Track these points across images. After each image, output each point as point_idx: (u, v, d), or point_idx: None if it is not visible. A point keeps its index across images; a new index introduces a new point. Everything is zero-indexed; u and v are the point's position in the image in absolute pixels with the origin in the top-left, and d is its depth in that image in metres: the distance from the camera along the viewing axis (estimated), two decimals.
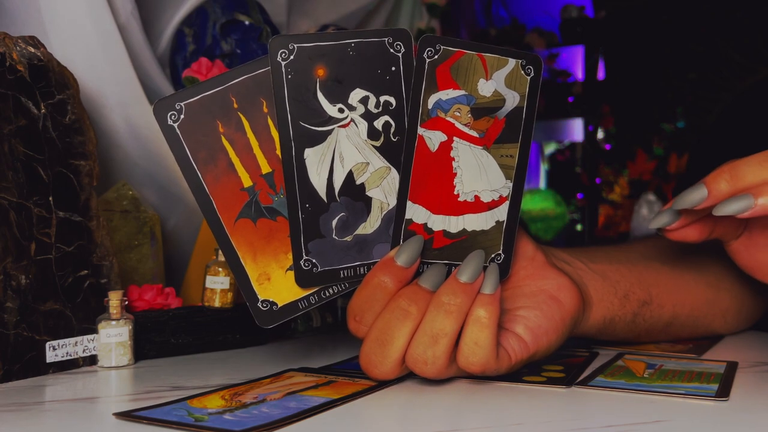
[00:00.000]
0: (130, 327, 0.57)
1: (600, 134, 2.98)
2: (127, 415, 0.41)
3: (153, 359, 0.60)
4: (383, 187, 0.48)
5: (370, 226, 0.48)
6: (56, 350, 0.55)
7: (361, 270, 0.48)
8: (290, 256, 0.47)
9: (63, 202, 0.57)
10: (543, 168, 3.38)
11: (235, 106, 0.46)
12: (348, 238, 0.47)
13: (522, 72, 0.48)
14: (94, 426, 0.41)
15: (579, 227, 3.11)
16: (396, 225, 0.48)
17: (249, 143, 0.47)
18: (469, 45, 0.47)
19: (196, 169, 0.46)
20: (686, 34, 2.60)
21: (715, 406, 0.44)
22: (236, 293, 0.66)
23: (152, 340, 0.60)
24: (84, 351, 0.57)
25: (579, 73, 3.04)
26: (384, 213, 0.48)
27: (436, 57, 0.47)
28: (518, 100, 0.48)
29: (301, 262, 0.47)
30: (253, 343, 0.67)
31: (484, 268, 0.46)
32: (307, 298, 0.48)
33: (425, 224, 0.48)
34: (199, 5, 0.90)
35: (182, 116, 0.46)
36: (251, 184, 0.47)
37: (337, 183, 0.47)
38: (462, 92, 0.47)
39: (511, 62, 0.48)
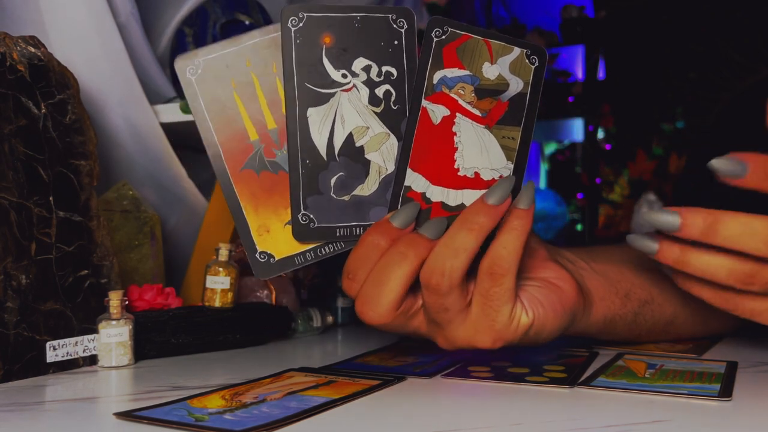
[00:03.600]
0: (131, 327, 0.57)
1: (600, 134, 2.98)
2: (127, 415, 0.41)
3: (153, 359, 0.60)
4: (382, 152, 0.49)
5: (367, 188, 0.49)
6: (56, 350, 0.55)
7: (357, 230, 0.49)
8: (289, 211, 0.49)
9: (63, 202, 0.56)
10: (543, 168, 3.38)
11: (248, 65, 0.49)
12: (346, 197, 0.49)
13: (527, 61, 0.49)
14: (94, 426, 0.41)
15: (579, 227, 3.10)
16: (395, 190, 0.49)
17: (258, 100, 0.50)
18: (476, 30, 0.49)
19: (209, 119, 0.49)
20: (686, 34, 2.60)
21: (717, 406, 0.44)
22: (236, 293, 0.66)
23: (152, 340, 0.60)
24: (84, 351, 0.56)
25: (579, 73, 3.04)
26: (382, 177, 0.49)
27: (443, 37, 0.48)
28: (522, 86, 0.49)
29: (299, 216, 0.49)
30: (253, 343, 0.67)
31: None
32: (303, 253, 0.50)
33: (424, 194, 0.49)
34: (200, 5, 0.90)
35: (200, 71, 0.49)
36: (257, 137, 0.50)
37: (337, 143, 0.49)
38: (467, 72, 0.49)
39: (516, 50, 0.49)
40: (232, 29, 0.89)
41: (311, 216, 0.49)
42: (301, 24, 0.48)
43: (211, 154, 0.49)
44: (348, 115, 0.49)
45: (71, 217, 0.57)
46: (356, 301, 0.48)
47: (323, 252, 0.50)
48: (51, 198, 0.56)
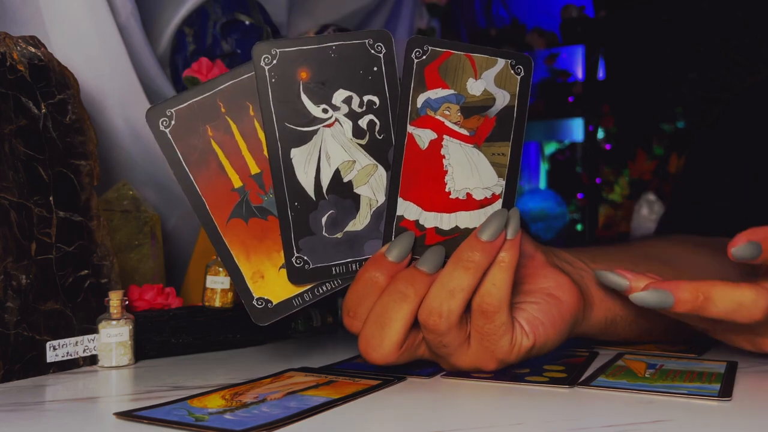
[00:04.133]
0: (131, 327, 0.57)
1: (600, 134, 2.97)
2: (127, 415, 0.41)
3: (153, 359, 0.60)
4: (371, 184, 0.48)
5: (359, 222, 0.48)
6: (57, 350, 0.55)
7: (353, 266, 0.49)
8: (282, 254, 0.48)
9: (63, 201, 0.56)
10: (543, 168, 3.38)
11: (223, 110, 0.48)
12: (338, 235, 0.48)
13: (512, 71, 0.48)
14: (94, 426, 0.41)
15: (579, 227, 3.10)
16: (387, 221, 0.48)
17: (237, 145, 0.48)
18: (457, 46, 0.47)
19: (188, 171, 0.48)
20: (686, 34, 2.59)
21: (717, 406, 0.44)
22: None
23: (153, 340, 0.60)
24: (84, 351, 0.56)
25: (579, 73, 3.04)
26: (373, 210, 0.48)
27: (424, 57, 0.47)
28: (509, 99, 0.48)
29: (293, 260, 0.48)
30: (253, 343, 0.67)
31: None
32: (301, 295, 0.49)
33: (417, 221, 0.48)
34: (200, 5, 0.90)
35: (173, 122, 0.47)
36: (241, 184, 0.48)
37: (325, 181, 0.48)
38: (451, 91, 0.48)
39: (501, 62, 0.48)
40: (232, 29, 0.89)
41: (305, 258, 0.48)
42: (274, 61, 0.46)
43: (195, 207, 0.48)
44: (333, 151, 0.47)
45: (71, 217, 0.57)
46: (359, 342, 0.48)
47: (321, 291, 0.49)
48: (51, 198, 0.56)
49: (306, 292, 0.49)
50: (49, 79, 0.57)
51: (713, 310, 0.47)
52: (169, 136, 0.47)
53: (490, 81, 0.48)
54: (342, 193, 0.48)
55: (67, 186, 0.57)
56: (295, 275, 0.48)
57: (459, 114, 0.48)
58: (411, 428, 0.40)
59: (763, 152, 0.77)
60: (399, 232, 0.48)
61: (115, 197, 0.73)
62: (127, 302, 0.58)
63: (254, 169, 0.48)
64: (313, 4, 1.14)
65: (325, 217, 0.48)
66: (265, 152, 0.48)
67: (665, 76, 2.69)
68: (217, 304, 0.65)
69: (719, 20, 2.49)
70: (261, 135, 0.48)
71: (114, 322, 0.56)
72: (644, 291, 0.48)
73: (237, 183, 0.48)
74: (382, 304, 0.46)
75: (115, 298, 0.56)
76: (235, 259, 0.48)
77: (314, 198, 0.48)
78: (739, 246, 0.47)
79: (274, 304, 0.49)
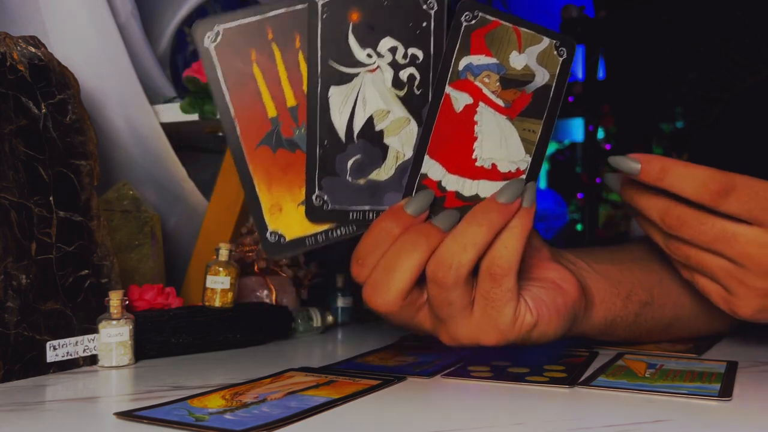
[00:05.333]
0: (131, 327, 0.57)
1: (600, 134, 2.97)
2: (127, 415, 0.41)
3: (153, 359, 0.60)
4: (401, 137, 0.48)
5: (384, 173, 0.49)
6: (57, 350, 0.55)
7: (370, 215, 0.49)
8: (304, 190, 0.48)
9: (63, 201, 0.56)
10: (543, 168, 3.38)
11: (270, 36, 0.48)
12: (361, 181, 0.48)
13: (555, 52, 0.48)
14: (94, 426, 0.41)
15: (579, 227, 3.10)
16: (411, 176, 0.48)
17: (278, 75, 0.48)
18: (507, 17, 0.48)
19: (225, 91, 0.48)
20: (686, 34, 2.59)
21: (718, 406, 0.44)
22: (236, 293, 0.66)
23: (153, 340, 0.60)
24: (84, 351, 0.56)
25: (579, 73, 3.04)
26: (399, 163, 0.49)
27: (473, 22, 0.47)
28: (548, 78, 0.49)
29: (313, 197, 0.48)
30: (253, 343, 0.67)
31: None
32: (315, 235, 0.49)
33: (439, 182, 0.48)
34: (200, 5, 0.90)
35: (219, 38, 0.47)
36: (275, 114, 0.48)
37: (357, 125, 0.48)
38: (494, 60, 0.48)
39: (546, 41, 0.48)
40: None
41: (325, 197, 0.48)
42: None
43: (226, 129, 0.48)
44: (370, 97, 0.48)
45: (72, 217, 0.57)
46: (364, 287, 0.47)
47: (335, 235, 0.49)
48: (51, 198, 0.56)
49: (320, 233, 0.49)
50: (49, 79, 0.57)
51: (671, 178, 0.48)
52: (213, 52, 0.47)
53: (532, 57, 0.48)
54: (372, 140, 0.48)
55: (67, 186, 0.57)
56: (313, 213, 0.48)
57: (498, 84, 0.48)
58: (411, 428, 0.40)
59: (763, 152, 0.77)
60: (421, 189, 0.48)
61: (115, 197, 0.73)
62: (127, 302, 0.58)
63: (291, 101, 0.48)
64: None
65: (352, 160, 0.48)
66: (305, 86, 0.48)
67: (665, 76, 2.69)
68: (217, 304, 0.65)
69: (719, 20, 2.48)
70: (303, 68, 0.48)
71: (114, 322, 0.56)
72: (619, 156, 0.49)
73: (272, 112, 0.48)
74: (394, 251, 0.46)
75: (115, 298, 0.56)
76: (257, 187, 0.48)
77: (344, 140, 0.48)
78: (618, 157, 0.49)
79: (287, 239, 0.49)
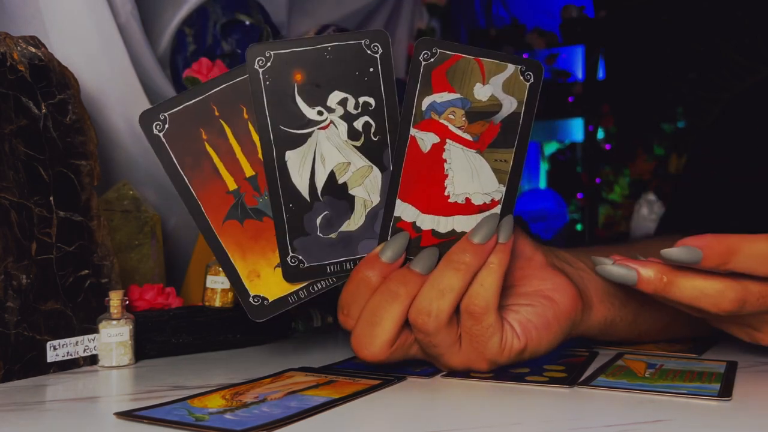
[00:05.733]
0: (131, 327, 0.57)
1: (600, 134, 2.97)
2: (127, 415, 0.41)
3: (153, 359, 0.60)
4: (366, 185, 0.48)
5: (354, 223, 0.49)
6: (57, 350, 0.55)
7: (348, 265, 0.49)
8: (278, 254, 0.49)
9: (64, 201, 0.56)
10: (543, 168, 3.38)
11: (217, 113, 0.48)
12: (333, 235, 0.49)
13: (521, 78, 0.47)
14: (94, 426, 0.41)
15: (579, 227, 3.10)
16: (384, 222, 0.48)
17: (232, 148, 0.48)
18: (467, 49, 0.47)
19: (183, 174, 0.48)
20: (686, 34, 2.59)
21: (717, 406, 0.44)
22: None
23: (153, 340, 0.60)
24: (85, 351, 0.57)
25: (579, 73, 3.04)
26: (368, 210, 0.49)
27: (432, 60, 0.47)
28: (515, 106, 0.48)
29: (288, 259, 0.48)
30: (253, 343, 0.67)
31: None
32: (296, 292, 0.50)
33: (414, 223, 0.48)
34: (200, 5, 0.90)
35: (167, 125, 0.47)
36: (236, 187, 0.49)
37: (320, 183, 0.48)
38: (457, 95, 0.47)
39: (510, 68, 0.47)
40: (232, 29, 0.89)
41: (300, 257, 0.48)
42: (269, 63, 0.46)
43: (190, 210, 0.48)
44: (327, 153, 0.48)
45: (72, 217, 0.57)
46: (351, 340, 0.48)
47: (316, 288, 0.50)
48: (51, 198, 0.56)
49: (301, 289, 0.49)
50: (49, 79, 0.57)
51: (676, 293, 0.47)
52: (163, 139, 0.47)
53: (497, 87, 0.47)
54: (337, 194, 0.48)
55: (67, 186, 0.57)
56: (290, 274, 0.49)
57: (464, 119, 0.47)
58: (411, 428, 0.40)
59: (763, 152, 0.77)
60: (395, 232, 0.48)
61: (115, 197, 0.73)
62: (127, 302, 0.58)
63: (249, 171, 0.49)
64: (313, 4, 1.14)
65: (320, 217, 0.48)
66: (260, 155, 0.48)
67: (665, 76, 2.69)
68: (217, 304, 0.65)
69: (719, 20, 2.49)
70: (255, 138, 0.48)
71: (114, 322, 0.56)
72: (611, 265, 0.48)
73: (232, 185, 0.49)
74: (374, 303, 0.47)
75: (115, 298, 0.56)
76: (231, 258, 0.49)
77: (309, 200, 0.48)
78: (674, 250, 0.46)
79: (270, 301, 0.49)
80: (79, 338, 0.56)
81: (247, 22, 0.90)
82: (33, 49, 0.57)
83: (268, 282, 0.49)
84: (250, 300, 0.49)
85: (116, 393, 0.49)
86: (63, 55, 0.61)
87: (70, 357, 0.55)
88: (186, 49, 0.89)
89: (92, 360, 0.57)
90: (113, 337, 0.56)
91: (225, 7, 0.89)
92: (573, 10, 3.02)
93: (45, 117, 0.56)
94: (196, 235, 0.81)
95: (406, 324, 0.48)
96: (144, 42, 0.82)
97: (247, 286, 0.49)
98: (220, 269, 0.65)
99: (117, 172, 0.78)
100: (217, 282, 0.65)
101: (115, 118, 0.76)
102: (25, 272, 0.53)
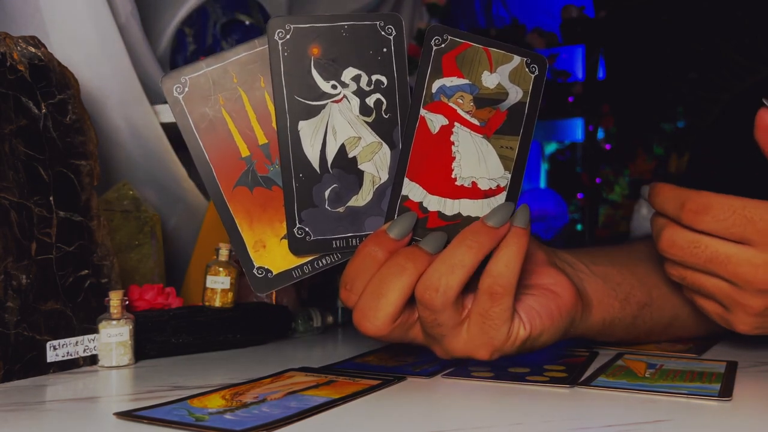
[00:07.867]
0: (131, 327, 0.57)
1: (600, 134, 2.97)
2: (127, 415, 0.41)
3: (153, 359, 0.60)
4: (375, 161, 0.49)
5: (362, 198, 0.49)
6: (57, 350, 0.55)
7: (354, 241, 0.49)
8: (285, 224, 0.49)
9: (64, 201, 0.56)
10: (543, 168, 3.38)
11: (235, 81, 0.49)
12: (340, 209, 0.49)
13: (526, 69, 0.49)
14: (94, 426, 0.41)
15: (579, 227, 3.10)
16: (392, 199, 0.49)
17: (247, 115, 0.49)
18: (476, 38, 0.48)
19: (198, 138, 0.49)
20: (686, 34, 2.59)
21: (717, 406, 0.44)
22: (237, 293, 0.66)
23: (153, 340, 0.60)
24: (85, 351, 0.56)
25: (579, 73, 3.04)
26: (376, 187, 0.49)
27: (443, 46, 0.48)
28: (521, 96, 0.49)
29: (295, 230, 0.49)
30: (253, 343, 0.67)
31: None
32: (301, 267, 0.50)
33: (420, 203, 0.49)
34: (200, 5, 0.90)
35: (187, 89, 0.49)
36: (248, 154, 0.49)
37: (330, 155, 0.49)
38: (466, 81, 0.48)
39: (516, 59, 0.49)
40: (232, 29, 0.89)
41: (307, 229, 0.49)
42: (288, 36, 0.48)
43: (202, 173, 0.49)
44: (339, 126, 0.49)
45: (72, 217, 0.57)
46: (354, 313, 0.48)
47: (321, 264, 0.50)
48: (51, 198, 0.56)
49: (306, 264, 0.50)
50: (49, 79, 0.57)
51: (654, 199, 0.51)
52: (183, 102, 0.48)
53: (504, 76, 0.49)
54: (346, 168, 0.49)
55: (67, 186, 0.57)
56: (296, 246, 0.49)
57: (472, 104, 0.49)
58: (411, 428, 0.40)
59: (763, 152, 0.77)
60: (402, 211, 0.49)
61: (115, 197, 0.73)
62: (127, 302, 0.58)
63: (262, 139, 0.49)
64: (313, 4, 1.14)
65: (329, 190, 0.49)
66: (274, 124, 0.49)
67: (665, 76, 2.69)
68: (217, 304, 0.65)
69: (719, 20, 2.48)
70: (270, 107, 0.49)
71: (114, 322, 0.56)
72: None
73: (244, 152, 0.49)
74: (380, 276, 0.47)
75: (115, 298, 0.56)
76: (239, 226, 0.49)
77: (319, 171, 0.49)
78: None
79: (274, 274, 0.50)
80: (79, 338, 0.56)
81: (247, 22, 0.90)
82: (33, 49, 0.57)
83: (273, 254, 0.50)
84: (254, 271, 0.49)
85: (116, 393, 0.49)
86: (63, 55, 0.61)
87: (70, 357, 0.55)
88: (186, 49, 0.89)
89: (92, 360, 0.57)
90: (113, 337, 0.56)
91: (225, 7, 0.89)
92: (573, 10, 3.02)
93: (45, 117, 0.56)
94: (196, 235, 0.81)
95: (409, 303, 0.48)
96: (144, 42, 0.82)
97: (252, 257, 0.49)
98: (221, 269, 0.65)
99: (117, 172, 0.78)
100: (217, 282, 0.65)
101: (115, 118, 0.76)
102: (25, 272, 0.53)
